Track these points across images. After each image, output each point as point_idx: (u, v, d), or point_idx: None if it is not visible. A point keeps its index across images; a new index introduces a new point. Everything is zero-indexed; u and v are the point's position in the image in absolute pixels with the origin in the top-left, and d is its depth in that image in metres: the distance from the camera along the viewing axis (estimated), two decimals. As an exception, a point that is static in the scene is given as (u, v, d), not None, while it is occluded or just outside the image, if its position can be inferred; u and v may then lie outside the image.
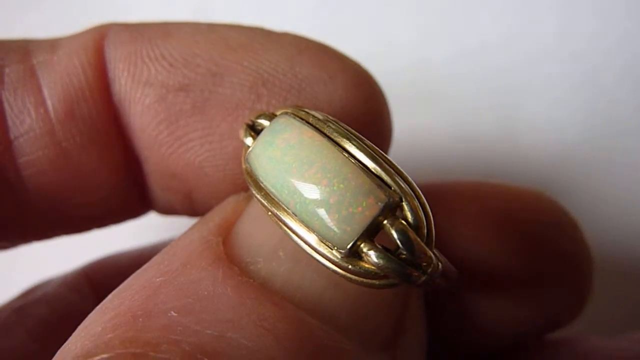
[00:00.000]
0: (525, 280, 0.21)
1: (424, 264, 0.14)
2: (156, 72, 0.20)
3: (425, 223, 0.15)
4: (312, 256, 0.15)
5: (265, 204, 0.16)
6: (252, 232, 0.17)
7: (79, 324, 0.26)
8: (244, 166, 0.17)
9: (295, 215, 0.15)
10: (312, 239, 0.15)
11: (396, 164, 0.15)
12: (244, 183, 0.21)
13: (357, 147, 0.15)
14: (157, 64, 0.20)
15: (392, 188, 0.15)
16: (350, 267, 0.15)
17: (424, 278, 0.15)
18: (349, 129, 0.16)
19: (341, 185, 0.15)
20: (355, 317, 0.16)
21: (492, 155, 0.35)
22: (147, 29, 0.21)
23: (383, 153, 0.16)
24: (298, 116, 0.16)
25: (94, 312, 0.16)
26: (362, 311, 0.16)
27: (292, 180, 0.15)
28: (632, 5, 0.36)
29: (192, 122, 0.20)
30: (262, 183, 0.16)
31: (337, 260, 0.15)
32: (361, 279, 0.15)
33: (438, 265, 0.15)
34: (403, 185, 0.15)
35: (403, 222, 0.14)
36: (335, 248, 0.15)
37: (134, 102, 0.20)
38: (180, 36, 0.20)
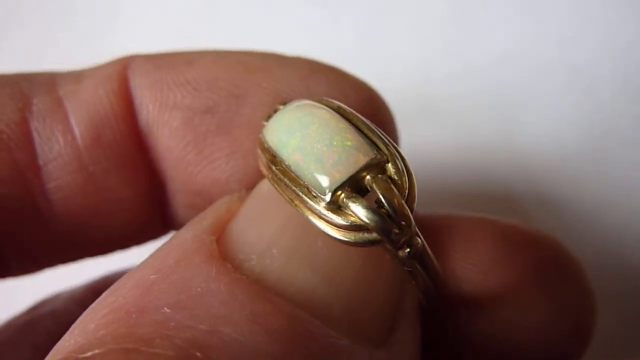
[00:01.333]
0: (527, 316, 0.21)
1: (403, 223, 0.15)
2: (182, 96, 0.21)
3: (407, 185, 0.16)
4: (297, 208, 0.16)
5: (267, 162, 0.17)
6: (246, 230, 0.17)
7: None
8: (258, 138, 0.18)
9: (291, 169, 0.16)
10: (301, 190, 0.16)
11: (392, 141, 0.17)
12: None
13: (359, 121, 0.17)
14: (182, 89, 0.21)
15: (382, 151, 0.16)
16: (329, 214, 0.15)
17: (404, 238, 0.15)
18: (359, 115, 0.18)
19: (334, 141, 0.16)
20: (349, 313, 0.16)
21: (492, 168, 0.36)
22: (170, 58, 0.22)
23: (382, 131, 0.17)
24: (313, 100, 0.18)
25: (87, 310, 0.16)
26: (356, 307, 0.17)
27: (293, 136, 0.16)
28: (632, 18, 0.36)
29: (218, 141, 0.21)
30: (268, 145, 0.17)
31: (318, 209, 0.15)
32: (340, 231, 0.15)
33: (416, 230, 0.15)
34: (393, 151, 0.16)
35: (387, 179, 0.15)
36: (319, 196, 0.15)
37: (162, 126, 0.21)
38: (202, 62, 0.22)
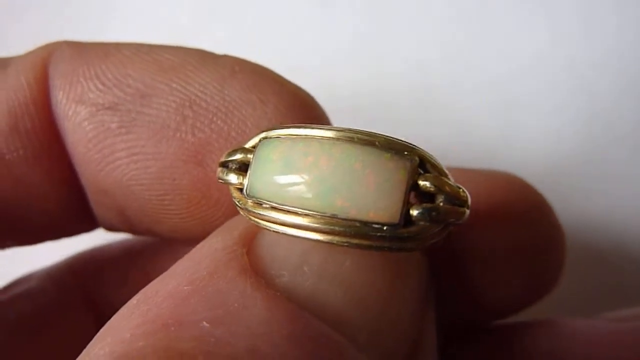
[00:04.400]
0: (502, 257, 0.22)
1: (463, 200, 0.16)
2: (89, 90, 0.20)
3: (446, 170, 0.16)
4: (364, 245, 0.15)
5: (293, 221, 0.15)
6: (276, 243, 0.17)
7: (65, 318, 0.26)
8: (239, 202, 0.17)
9: (336, 217, 0.15)
10: (354, 229, 0.15)
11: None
12: (169, 203, 0.21)
13: (363, 133, 0.16)
14: (90, 82, 0.20)
15: (406, 153, 0.15)
16: (407, 233, 0.15)
17: (467, 212, 0.16)
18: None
19: (367, 164, 0.15)
20: (377, 335, 0.16)
21: (487, 165, 0.35)
22: (90, 49, 0.21)
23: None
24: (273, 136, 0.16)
25: (116, 317, 0.15)
26: (382, 332, 0.16)
27: (306, 176, 0.15)
28: (623, 14, 0.35)
29: (119, 141, 0.20)
30: (279, 206, 0.16)
31: (392, 234, 0.15)
32: (419, 241, 0.15)
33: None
34: (415, 149, 0.16)
35: (429, 174, 0.15)
36: (386, 224, 0.15)
37: (67, 119, 0.21)
38: (118, 57, 0.21)
